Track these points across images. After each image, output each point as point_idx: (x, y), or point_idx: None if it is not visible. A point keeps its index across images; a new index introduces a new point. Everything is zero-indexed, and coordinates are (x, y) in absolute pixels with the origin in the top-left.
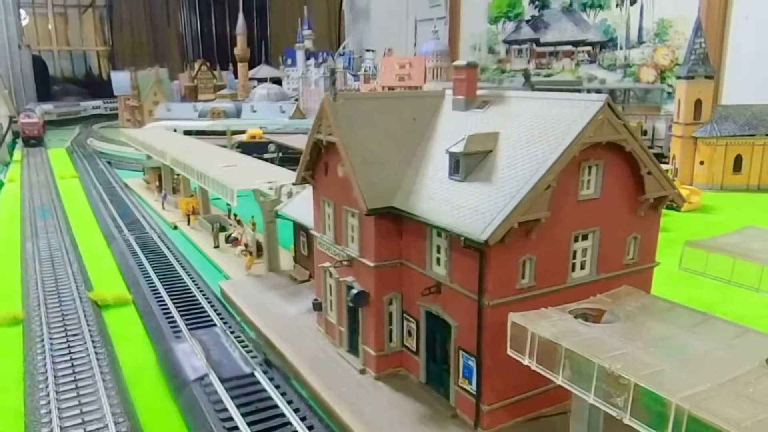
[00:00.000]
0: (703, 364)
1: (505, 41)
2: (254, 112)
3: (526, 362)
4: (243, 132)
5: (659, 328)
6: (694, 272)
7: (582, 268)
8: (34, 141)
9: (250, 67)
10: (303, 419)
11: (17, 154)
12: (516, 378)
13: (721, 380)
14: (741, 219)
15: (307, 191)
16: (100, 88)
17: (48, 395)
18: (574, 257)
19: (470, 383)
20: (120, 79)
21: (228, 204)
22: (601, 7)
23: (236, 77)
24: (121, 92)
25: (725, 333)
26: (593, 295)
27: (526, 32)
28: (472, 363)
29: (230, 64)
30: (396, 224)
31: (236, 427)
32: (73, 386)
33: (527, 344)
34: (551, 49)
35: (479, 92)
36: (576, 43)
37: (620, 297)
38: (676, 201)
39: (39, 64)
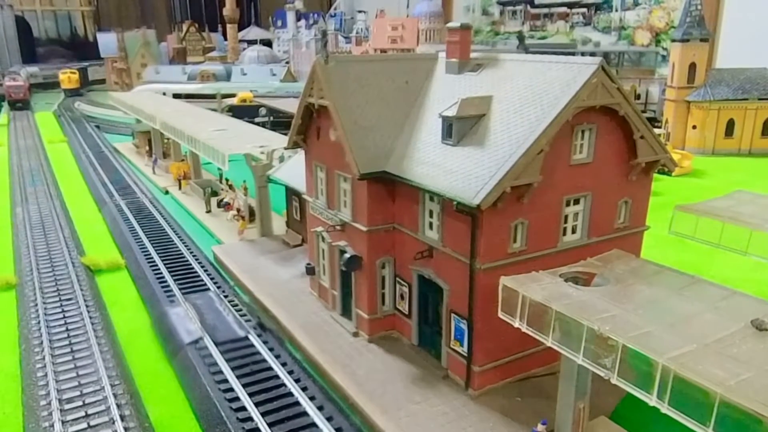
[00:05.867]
0: (690, 325)
1: (499, 2)
2: (244, 74)
3: (516, 325)
4: (233, 95)
5: (648, 290)
6: (684, 236)
7: (573, 232)
8: (20, 104)
9: (240, 29)
10: (297, 381)
11: (3, 117)
12: (506, 340)
13: (706, 341)
14: (732, 183)
15: (299, 156)
16: (86, 49)
17: (44, 359)
18: (566, 221)
19: (461, 345)
20: (106, 41)
21: (219, 168)
22: None
23: (225, 39)
24: (107, 54)
25: (712, 295)
26: (584, 259)
27: None
28: (464, 325)
29: (219, 26)
30: (389, 189)
31: (231, 389)
32: (68, 350)
33: (518, 307)
34: (546, 10)
35: (473, 55)
36: (571, 5)
37: (610, 260)
38: (668, 165)
39: (22, 25)
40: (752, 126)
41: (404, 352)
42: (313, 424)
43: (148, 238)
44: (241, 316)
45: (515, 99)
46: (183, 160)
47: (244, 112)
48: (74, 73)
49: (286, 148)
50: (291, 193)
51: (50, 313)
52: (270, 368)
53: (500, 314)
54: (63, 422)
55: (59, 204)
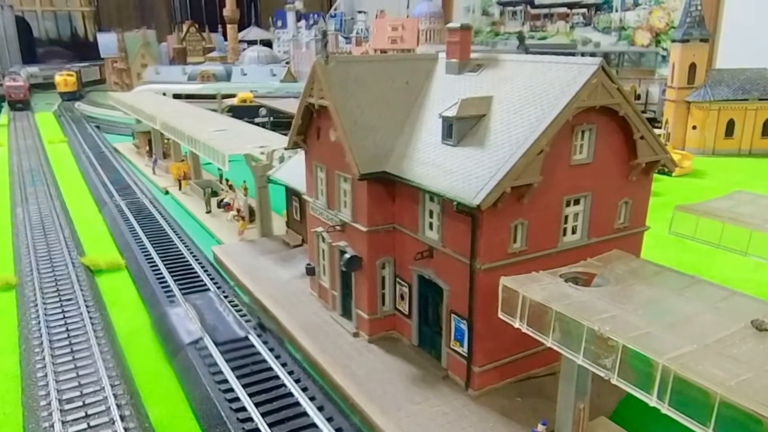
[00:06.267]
0: (690, 326)
1: (499, 3)
2: (244, 75)
3: (516, 325)
4: (233, 96)
5: (648, 291)
6: (684, 236)
7: (573, 232)
8: (20, 105)
9: (240, 29)
10: (297, 381)
11: (3, 118)
12: (506, 340)
13: (706, 341)
14: (732, 183)
15: (299, 156)
16: (86, 50)
17: (44, 359)
18: (566, 222)
19: (462, 345)
20: (106, 41)
21: (219, 169)
22: None
23: (226, 39)
24: (108, 55)
25: (712, 296)
26: (584, 259)
27: None
28: (464, 326)
29: (219, 26)
30: (389, 189)
31: (231, 389)
32: (68, 350)
33: (518, 307)
34: (546, 11)
35: (473, 55)
36: (571, 5)
37: (610, 261)
38: (668, 166)
39: (23, 25)
40: (752, 126)
41: (404, 352)
42: (313, 425)
43: (148, 238)
44: (241, 316)
45: (515, 99)
46: (183, 161)
47: (244, 112)
48: (71, 75)
49: (286, 149)
50: (291, 193)
51: (50, 313)
52: (270, 368)
53: (500, 314)
54: (63, 422)
55: (59, 204)
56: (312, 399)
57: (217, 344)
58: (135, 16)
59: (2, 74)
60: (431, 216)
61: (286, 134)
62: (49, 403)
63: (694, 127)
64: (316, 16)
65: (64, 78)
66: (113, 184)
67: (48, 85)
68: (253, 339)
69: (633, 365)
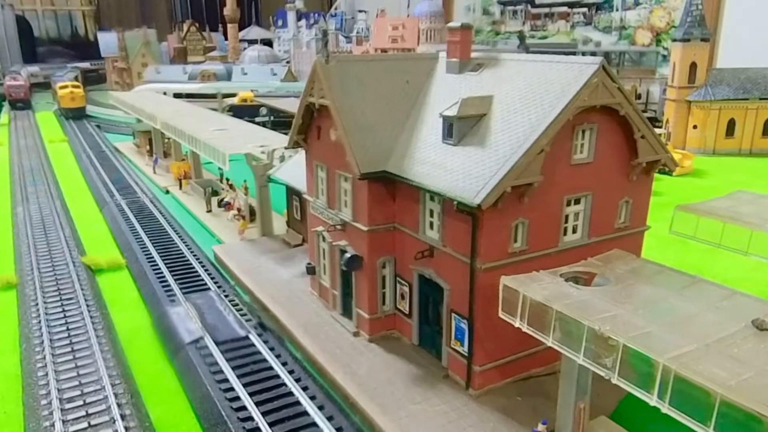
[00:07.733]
0: (691, 325)
1: (500, 2)
2: (245, 74)
3: (517, 324)
4: (234, 95)
5: (648, 290)
6: (685, 236)
7: (574, 232)
8: (20, 104)
9: (240, 29)
10: (297, 380)
11: (4, 117)
12: (507, 340)
13: (707, 341)
14: (732, 183)
15: (300, 155)
16: (86, 49)
17: (44, 358)
18: (567, 221)
19: (462, 345)
20: (107, 41)
21: (220, 168)
22: None
23: (226, 39)
24: (108, 54)
25: (713, 295)
26: (584, 259)
27: None
28: (464, 325)
29: (220, 25)
30: (389, 188)
31: (231, 389)
32: (69, 349)
33: (519, 307)
34: (546, 10)
35: (473, 55)
36: (572, 5)
37: (611, 260)
38: (669, 165)
39: (23, 25)
40: (753, 126)
41: (405, 351)
42: (314, 424)
43: (148, 237)
44: (241, 315)
45: (516, 99)
46: (184, 160)
47: (245, 111)
48: (77, 86)
49: (286, 148)
50: (291, 192)
51: (51, 312)
52: (270, 368)
53: (501, 314)
54: (64, 422)
55: (60, 203)
56: (312, 398)
57: (217, 343)
58: (135, 15)
59: (3, 73)
60: (432, 215)
61: (286, 133)
62: (50, 402)
63: (694, 127)
64: (316, 15)
65: (70, 90)
66: (114, 183)
67: (49, 85)
68: (254, 338)
69: (633, 365)
